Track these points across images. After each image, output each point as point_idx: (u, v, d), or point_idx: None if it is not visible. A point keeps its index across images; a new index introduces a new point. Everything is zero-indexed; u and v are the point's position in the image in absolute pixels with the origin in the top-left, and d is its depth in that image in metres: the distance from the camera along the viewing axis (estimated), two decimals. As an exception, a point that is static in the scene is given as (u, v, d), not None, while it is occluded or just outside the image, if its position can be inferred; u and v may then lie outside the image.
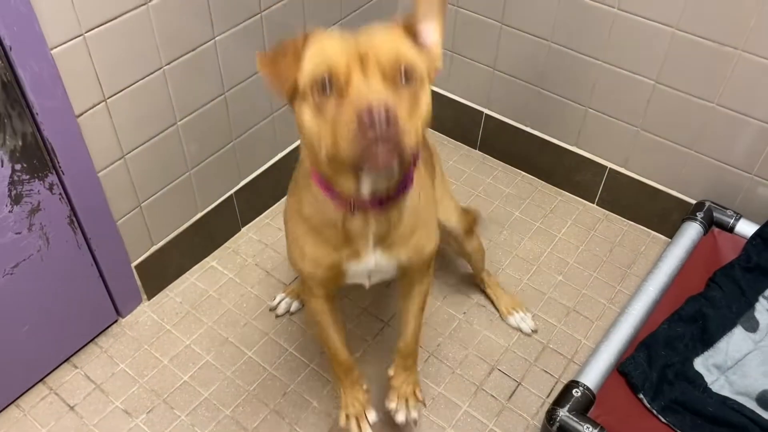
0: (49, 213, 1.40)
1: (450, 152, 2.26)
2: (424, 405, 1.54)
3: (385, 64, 0.88)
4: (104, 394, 1.61)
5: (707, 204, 1.79)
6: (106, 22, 1.30)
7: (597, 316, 1.81)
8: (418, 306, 1.35)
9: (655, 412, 1.42)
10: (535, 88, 2.00)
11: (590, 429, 1.34)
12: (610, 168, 2.00)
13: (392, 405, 1.40)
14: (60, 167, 1.36)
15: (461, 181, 2.16)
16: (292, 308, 1.78)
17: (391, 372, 1.41)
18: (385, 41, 0.92)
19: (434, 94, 2.13)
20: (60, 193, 1.40)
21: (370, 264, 1.15)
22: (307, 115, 0.92)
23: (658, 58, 1.71)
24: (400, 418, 1.40)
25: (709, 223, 1.77)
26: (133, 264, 1.68)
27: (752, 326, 1.58)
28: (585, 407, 1.39)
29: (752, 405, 1.44)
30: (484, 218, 1.49)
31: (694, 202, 1.87)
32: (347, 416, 1.41)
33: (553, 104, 1.99)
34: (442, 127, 2.31)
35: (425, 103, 0.93)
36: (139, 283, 1.72)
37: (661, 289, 1.62)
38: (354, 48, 0.89)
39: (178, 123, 1.59)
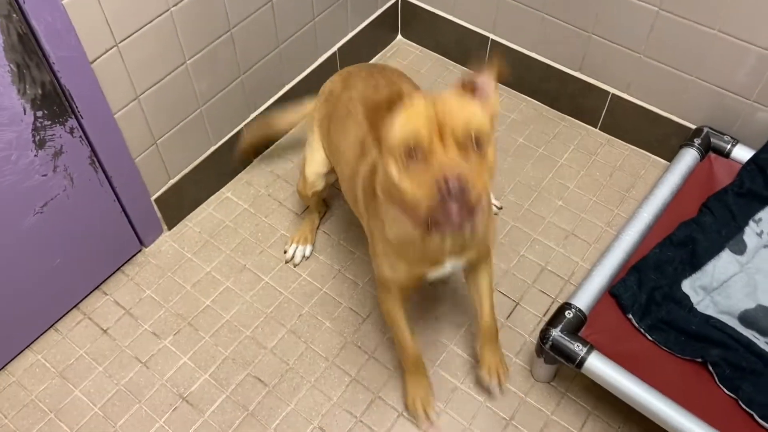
0: (72, 155, 1.48)
1: (455, 78, 2.28)
2: (508, 376, 1.63)
3: (458, 134, 1.05)
4: (133, 318, 1.75)
5: (705, 130, 1.83)
6: (112, -31, 1.34)
7: (594, 239, 1.90)
8: (488, 285, 1.52)
9: (642, 330, 1.53)
10: (539, 13, 2.00)
11: (580, 347, 1.46)
12: (612, 93, 2.02)
13: (485, 376, 1.57)
14: (79, 112, 1.43)
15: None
16: (306, 253, 1.86)
17: (478, 348, 1.59)
18: (459, 109, 1.07)
19: (440, 18, 2.21)
20: (80, 136, 1.47)
21: (447, 269, 1.34)
22: (394, 171, 1.09)
23: (662, -16, 1.71)
24: (493, 387, 1.59)
25: (706, 149, 1.82)
26: (153, 197, 1.78)
27: (740, 249, 1.65)
28: (576, 327, 1.50)
29: (734, 323, 1.54)
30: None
31: (693, 127, 1.91)
32: (413, 401, 1.57)
33: (558, 30, 1.99)
34: (448, 52, 2.32)
35: (491, 154, 1.09)
36: (159, 215, 1.82)
37: (655, 215, 1.69)
38: (434, 118, 1.05)
39: (188, 62, 1.63)
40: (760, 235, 1.68)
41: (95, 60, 1.41)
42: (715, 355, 1.47)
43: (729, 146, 1.81)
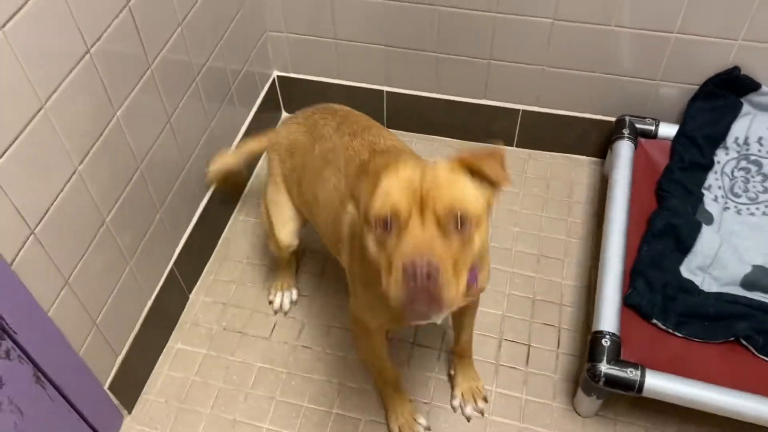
0: (14, 383, 1.17)
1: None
2: (486, 400, 1.60)
3: (441, 211, 0.96)
4: None
5: (627, 119, 1.89)
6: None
7: (563, 254, 1.88)
8: (471, 317, 1.49)
9: (670, 330, 1.51)
10: (432, 54, 1.96)
11: (633, 372, 1.41)
12: (522, 110, 2.03)
13: (456, 402, 1.58)
14: (11, 329, 1.13)
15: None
16: (294, 297, 1.79)
17: (452, 372, 1.60)
18: (446, 185, 0.98)
19: (324, 84, 2.09)
20: (19, 355, 1.17)
21: (437, 322, 1.18)
22: (370, 242, 1.02)
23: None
24: (468, 411, 1.57)
25: (636, 136, 1.87)
26: (106, 386, 1.47)
27: (707, 219, 1.71)
28: (617, 353, 1.45)
29: (740, 291, 1.58)
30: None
31: (610, 119, 1.96)
32: (400, 427, 1.53)
33: (455, 65, 1.96)
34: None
35: (478, 240, 1.00)
36: (116, 401, 1.51)
37: (626, 214, 1.69)
38: (418, 192, 0.97)
39: (107, 220, 1.37)
40: (716, 200, 1.75)
41: (14, 260, 1.12)
42: (743, 329, 1.49)
43: (653, 127, 1.87)
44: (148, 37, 1.41)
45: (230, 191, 1.98)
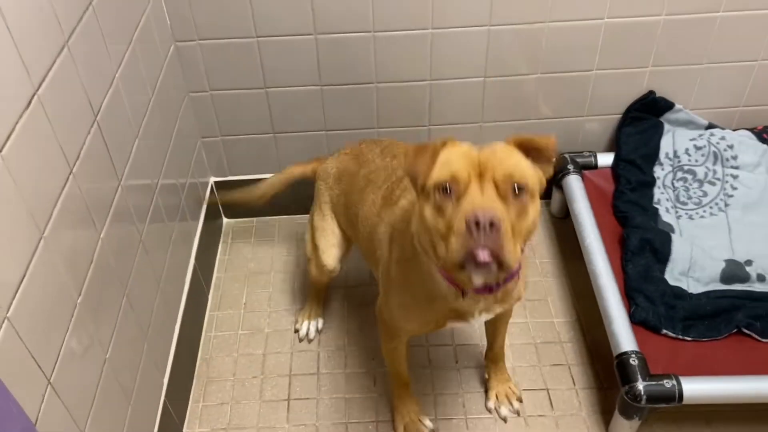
0: None
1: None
2: (521, 400, 1.65)
3: (499, 178, 1.00)
4: None
5: (568, 155, 2.01)
6: None
7: (545, 293, 1.91)
8: (505, 324, 1.54)
9: (681, 337, 1.57)
10: (374, 130, 1.98)
11: (670, 383, 1.43)
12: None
13: (491, 404, 1.64)
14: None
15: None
16: (320, 326, 1.84)
17: (486, 376, 1.66)
18: (503, 157, 1.03)
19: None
20: None
21: (475, 324, 1.37)
22: (428, 211, 1.05)
23: (481, 57, 1.84)
24: (504, 412, 1.62)
25: (579, 169, 1.98)
26: None
27: (670, 229, 1.83)
28: (647, 368, 1.47)
29: (722, 286, 1.68)
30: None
31: (548, 160, 2.07)
32: (405, 426, 1.57)
33: (398, 137, 1.99)
34: (287, 207, 2.16)
35: (533, 212, 1.04)
36: None
37: (600, 240, 1.77)
38: (476, 161, 1.02)
39: (107, 356, 1.21)
40: (668, 211, 1.88)
41: None
42: (741, 320, 1.57)
43: (593, 159, 2.00)
44: (96, 206, 1.31)
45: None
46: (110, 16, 1.34)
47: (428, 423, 1.59)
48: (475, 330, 1.80)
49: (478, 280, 1.12)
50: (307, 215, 2.15)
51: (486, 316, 1.30)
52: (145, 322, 1.44)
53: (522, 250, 1.08)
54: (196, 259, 1.85)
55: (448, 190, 1.01)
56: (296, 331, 1.83)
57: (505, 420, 1.62)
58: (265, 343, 1.82)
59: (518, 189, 1.00)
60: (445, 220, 1.01)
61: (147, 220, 1.49)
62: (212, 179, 2.09)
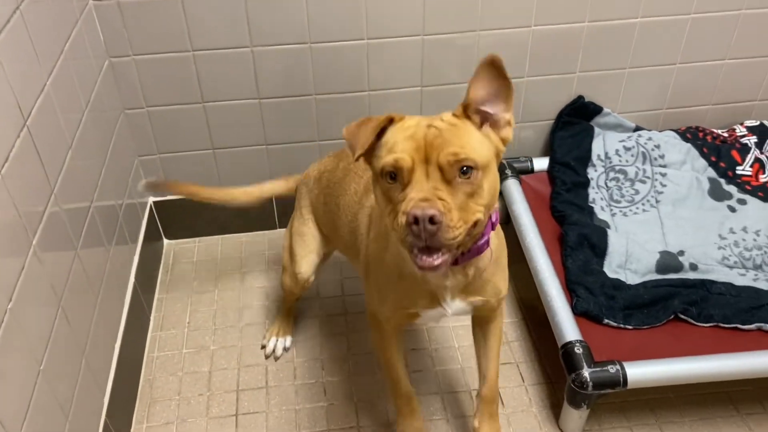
0: None
1: (256, 246, 2.11)
2: None
3: (444, 162, 0.98)
4: None
5: (504, 161, 2.06)
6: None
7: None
8: (496, 346, 1.42)
9: (622, 326, 1.61)
10: (315, 143, 2.00)
11: (614, 368, 1.46)
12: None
13: None
14: None
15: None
16: (287, 344, 1.79)
17: (476, 423, 1.44)
18: (449, 137, 1.00)
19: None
20: None
21: (449, 311, 1.23)
22: (379, 193, 1.07)
23: (417, 66, 1.88)
24: None
25: (517, 174, 2.04)
26: None
27: (606, 225, 1.89)
28: (591, 356, 1.50)
29: (657, 276, 1.74)
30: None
31: (486, 167, 2.12)
32: None
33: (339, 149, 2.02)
34: (227, 227, 2.13)
35: (487, 186, 1.02)
36: None
37: (540, 238, 1.81)
38: (422, 144, 1.00)
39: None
40: (603, 209, 1.95)
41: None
42: (677, 306, 1.63)
43: (529, 164, 2.06)
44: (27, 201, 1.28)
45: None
46: (39, 24, 1.32)
47: None
48: (462, 373, 1.74)
49: (429, 263, 1.03)
50: (250, 233, 2.16)
51: (462, 306, 1.23)
52: (82, 338, 1.39)
53: (492, 223, 1.09)
54: (136, 279, 1.80)
55: (394, 176, 1.00)
56: (263, 347, 1.79)
57: None
58: (210, 360, 1.77)
59: (466, 169, 0.98)
60: (392, 205, 1.01)
61: (82, 235, 1.45)
62: (151, 199, 2.05)
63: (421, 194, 0.97)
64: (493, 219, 1.14)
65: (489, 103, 1.04)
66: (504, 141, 1.06)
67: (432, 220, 0.94)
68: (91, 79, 1.64)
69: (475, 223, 1.02)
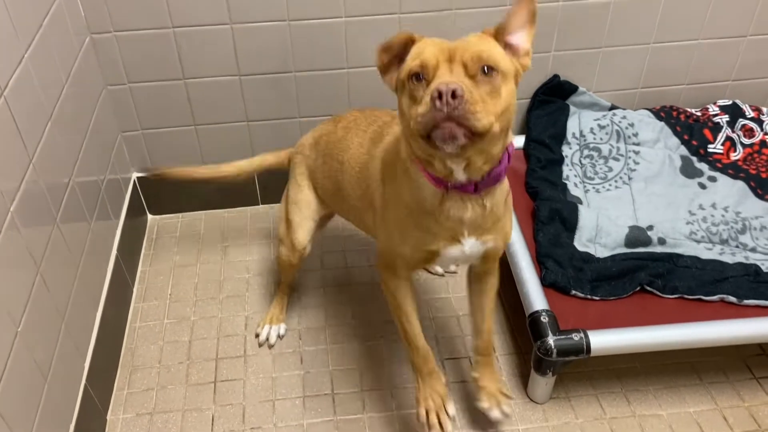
0: None
1: (238, 221, 2.15)
2: (512, 397, 1.60)
3: (468, 61, 1.04)
4: None
5: (482, 139, 2.10)
6: None
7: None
8: (491, 301, 1.48)
9: (589, 297, 1.66)
10: (296, 120, 2.03)
11: (579, 336, 1.51)
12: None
13: (485, 404, 1.48)
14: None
15: (276, 239, 2.08)
16: (281, 332, 1.79)
17: (476, 374, 1.51)
18: (473, 43, 1.08)
19: None
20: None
21: (465, 249, 1.26)
22: (403, 101, 1.10)
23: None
24: (496, 414, 1.47)
25: (494, 152, 2.08)
26: None
27: (578, 201, 1.93)
28: (557, 325, 1.55)
29: (626, 250, 1.79)
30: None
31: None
32: (427, 411, 1.40)
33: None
34: (210, 201, 2.17)
35: (506, 93, 1.06)
36: None
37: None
38: (446, 48, 1.07)
39: (18, 331, 1.20)
40: (576, 186, 1.99)
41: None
42: (644, 278, 1.67)
43: (505, 141, 2.10)
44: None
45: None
46: (17, -2, 1.35)
47: (451, 410, 1.42)
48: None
49: (461, 170, 1.12)
50: (233, 208, 2.21)
51: (476, 245, 1.26)
52: (62, 304, 1.44)
53: (504, 132, 1.10)
54: (119, 252, 1.84)
55: (420, 77, 1.05)
56: (257, 335, 1.79)
57: (496, 422, 1.53)
58: (191, 330, 1.82)
59: (488, 69, 1.03)
60: (416, 102, 1.05)
61: (61, 206, 1.49)
62: (135, 175, 2.09)
63: (446, 78, 1.02)
64: (510, 150, 1.18)
65: (516, 35, 1.13)
66: (523, 67, 1.14)
67: (454, 94, 0.98)
68: (72, 54, 1.67)
69: (492, 134, 1.03)
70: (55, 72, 1.54)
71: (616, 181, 1.99)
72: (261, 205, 2.21)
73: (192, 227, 2.15)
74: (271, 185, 2.15)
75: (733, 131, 2.09)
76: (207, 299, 1.91)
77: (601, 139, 2.05)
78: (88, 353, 1.55)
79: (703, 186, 1.98)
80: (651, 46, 2.04)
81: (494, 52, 1.08)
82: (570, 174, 2.01)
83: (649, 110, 2.12)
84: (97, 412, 1.56)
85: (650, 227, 1.84)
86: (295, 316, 1.86)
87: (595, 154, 2.04)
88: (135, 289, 1.94)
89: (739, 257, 1.76)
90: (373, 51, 1.91)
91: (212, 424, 1.60)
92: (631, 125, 2.05)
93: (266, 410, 1.63)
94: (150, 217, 2.18)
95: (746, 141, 2.08)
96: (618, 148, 2.04)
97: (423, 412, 1.40)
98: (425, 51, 1.07)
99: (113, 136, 1.94)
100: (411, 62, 1.08)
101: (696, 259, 1.74)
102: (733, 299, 1.63)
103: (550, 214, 1.82)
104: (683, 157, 2.04)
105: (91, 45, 1.80)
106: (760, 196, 1.93)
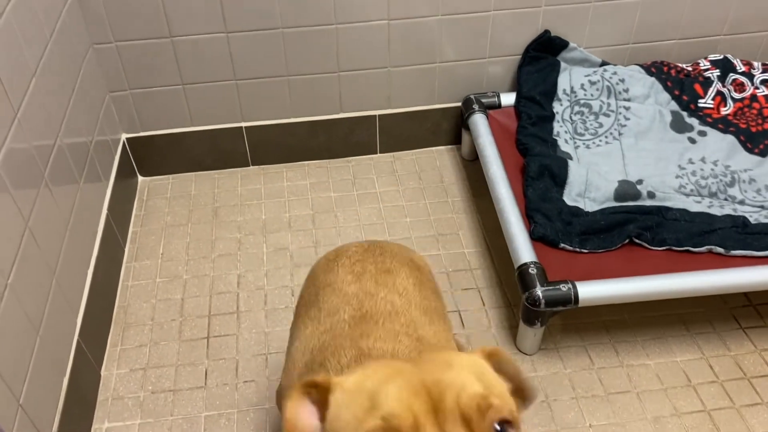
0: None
1: (229, 182, 2.15)
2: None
3: (469, 410, 0.60)
4: None
5: (473, 96, 2.09)
6: None
7: (456, 228, 1.99)
8: None
9: (578, 249, 1.67)
10: (282, 78, 2.02)
11: (567, 287, 1.53)
12: (378, 115, 2.15)
13: None
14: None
15: (267, 200, 2.09)
16: None
17: None
18: (468, 371, 0.64)
19: (180, 135, 2.06)
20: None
21: None
22: None
23: (383, 2, 1.90)
24: None
25: (484, 109, 2.07)
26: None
27: (568, 157, 1.93)
28: (545, 276, 1.56)
29: (615, 203, 1.80)
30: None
31: (455, 105, 2.15)
32: None
33: (307, 85, 2.04)
34: (201, 163, 2.17)
35: None
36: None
37: (503, 169, 1.86)
38: (424, 389, 0.61)
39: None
40: (567, 142, 1.99)
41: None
42: (632, 230, 1.68)
43: (496, 99, 2.09)
44: None
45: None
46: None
47: None
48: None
49: None
50: (223, 170, 2.20)
51: None
52: (52, 260, 1.44)
53: None
54: (109, 212, 1.84)
55: None
56: None
57: None
58: (183, 288, 1.83)
59: (501, 422, 0.62)
60: None
61: (48, 165, 1.48)
62: (124, 136, 2.08)
63: None
64: None
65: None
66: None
67: None
68: (56, 9, 1.65)
69: None
70: (38, 27, 1.52)
71: (606, 137, 1.99)
72: (251, 167, 2.20)
73: (183, 188, 2.14)
74: (260, 147, 2.15)
75: (724, 86, 2.08)
76: (199, 258, 1.92)
77: (591, 95, 2.04)
78: (80, 310, 1.56)
79: (692, 140, 1.98)
80: (643, 0, 2.02)
81: (501, 389, 0.68)
82: (560, 130, 2.01)
83: (640, 66, 2.11)
84: (91, 367, 1.57)
85: (640, 181, 1.85)
86: (287, 273, 1.87)
87: (585, 110, 2.03)
88: (126, 249, 1.94)
89: (728, 210, 1.77)
90: (363, 8, 1.91)
91: (206, 378, 1.62)
92: (622, 81, 2.04)
93: (259, 364, 1.64)
94: (140, 178, 2.18)
95: (737, 95, 2.08)
96: (609, 104, 2.03)
97: None
98: (389, 398, 0.61)
99: (101, 96, 1.93)
100: (364, 423, 0.61)
101: (685, 212, 1.75)
102: (720, 250, 1.64)
103: (540, 170, 1.83)
104: (674, 113, 2.04)
105: (75, 2, 1.77)
106: (750, 150, 1.94)
